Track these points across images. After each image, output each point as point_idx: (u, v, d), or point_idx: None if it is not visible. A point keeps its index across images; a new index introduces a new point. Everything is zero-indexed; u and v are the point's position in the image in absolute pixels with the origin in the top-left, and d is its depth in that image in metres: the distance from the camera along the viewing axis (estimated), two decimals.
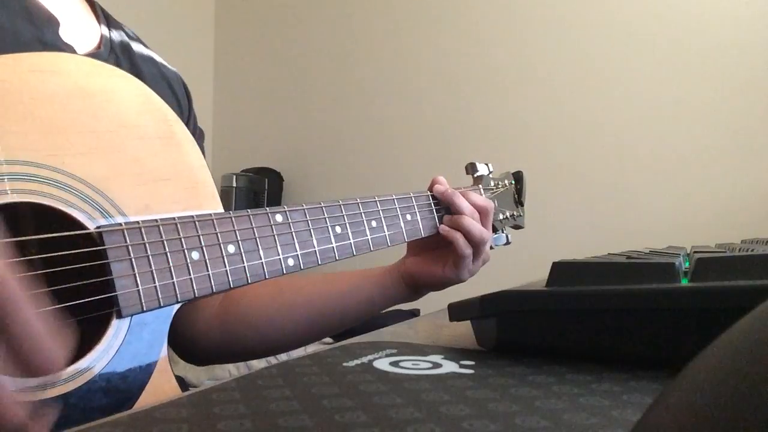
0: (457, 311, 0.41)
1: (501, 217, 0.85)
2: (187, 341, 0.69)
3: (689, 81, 2.11)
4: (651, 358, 0.33)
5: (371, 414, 0.24)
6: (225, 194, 2.55)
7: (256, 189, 2.69)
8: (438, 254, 0.74)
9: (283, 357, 1.79)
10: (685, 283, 0.35)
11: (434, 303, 0.80)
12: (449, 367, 0.32)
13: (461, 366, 0.33)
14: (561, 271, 0.37)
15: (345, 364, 0.33)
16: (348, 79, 2.78)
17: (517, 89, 2.40)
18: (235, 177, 2.61)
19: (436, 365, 0.33)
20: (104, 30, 0.66)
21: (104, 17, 0.68)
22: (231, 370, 1.71)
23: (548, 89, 2.34)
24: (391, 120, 2.66)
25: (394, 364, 0.33)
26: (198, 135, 0.70)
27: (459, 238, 0.71)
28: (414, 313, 2.13)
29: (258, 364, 1.68)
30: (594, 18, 2.26)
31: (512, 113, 2.40)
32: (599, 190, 2.23)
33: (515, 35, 2.41)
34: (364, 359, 0.34)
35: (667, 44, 2.14)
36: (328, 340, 2.01)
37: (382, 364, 0.33)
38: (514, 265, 1.54)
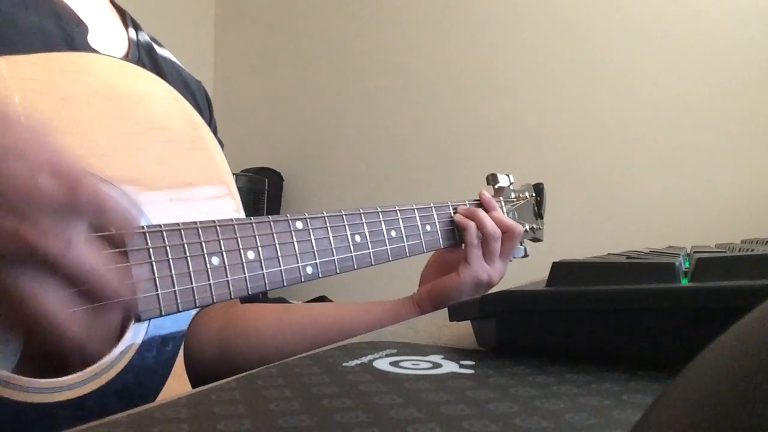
0: (457, 311, 0.41)
1: None
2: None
3: (689, 81, 2.11)
4: (651, 358, 0.33)
5: (371, 414, 0.24)
6: None
7: (256, 189, 2.69)
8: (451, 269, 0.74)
9: None
10: (685, 283, 0.35)
11: None
12: (449, 367, 0.32)
13: (461, 366, 0.32)
14: (561, 271, 0.37)
15: (345, 364, 0.33)
16: (348, 79, 2.78)
17: (518, 90, 2.40)
18: (235, 177, 2.61)
19: (436, 365, 0.33)
20: (132, 33, 0.65)
21: (131, 20, 0.67)
22: None
23: (548, 90, 2.34)
24: (392, 120, 2.66)
25: (394, 364, 0.33)
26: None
27: (471, 227, 0.73)
28: None
29: None
30: (594, 20, 2.26)
31: (512, 113, 2.40)
32: (599, 190, 2.23)
33: (515, 36, 2.41)
34: (364, 359, 0.34)
35: (667, 45, 2.14)
36: None
37: (382, 364, 0.33)
38: (514, 265, 1.54)
